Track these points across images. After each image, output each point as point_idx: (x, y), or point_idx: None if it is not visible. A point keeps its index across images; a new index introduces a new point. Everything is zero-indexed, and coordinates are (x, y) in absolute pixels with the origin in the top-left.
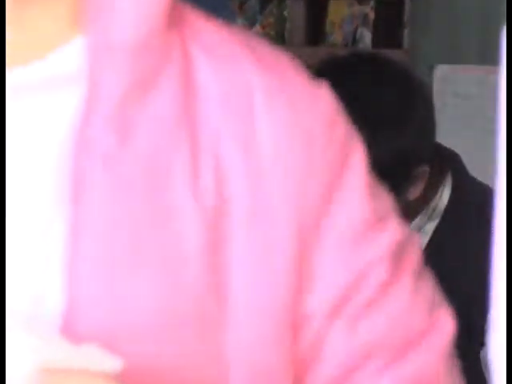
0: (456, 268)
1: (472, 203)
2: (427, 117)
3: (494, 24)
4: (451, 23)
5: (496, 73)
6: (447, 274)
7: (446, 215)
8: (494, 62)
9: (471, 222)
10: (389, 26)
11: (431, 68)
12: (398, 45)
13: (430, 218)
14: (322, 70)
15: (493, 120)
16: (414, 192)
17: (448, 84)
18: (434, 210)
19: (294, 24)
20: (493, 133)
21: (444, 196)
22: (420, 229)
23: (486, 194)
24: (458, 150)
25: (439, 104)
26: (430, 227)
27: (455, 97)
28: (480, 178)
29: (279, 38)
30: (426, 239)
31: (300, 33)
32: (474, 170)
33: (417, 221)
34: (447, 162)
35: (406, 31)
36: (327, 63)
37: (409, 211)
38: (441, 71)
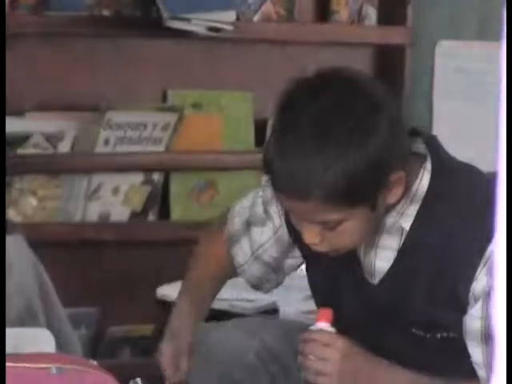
0: (441, 247)
1: (451, 185)
2: (392, 128)
3: (495, 1)
4: (453, 1)
5: (497, 48)
6: (431, 254)
7: (427, 198)
8: (495, 37)
9: (452, 203)
10: (393, 3)
11: (434, 44)
12: (401, 22)
13: (411, 202)
14: (292, 90)
15: (494, 94)
16: (393, 197)
17: (450, 59)
18: (414, 194)
19: (302, 2)
20: (494, 107)
21: (424, 180)
22: (402, 213)
23: (467, 174)
24: (459, 124)
25: (441, 79)
26: (413, 210)
27: (457, 72)
28: (481, 151)
29: (289, 15)
30: (409, 222)
31: (308, 10)
32: (475, 143)
33: (398, 206)
34: (426, 146)
35: (409, 9)
36: (297, 83)
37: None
38: (443, 47)
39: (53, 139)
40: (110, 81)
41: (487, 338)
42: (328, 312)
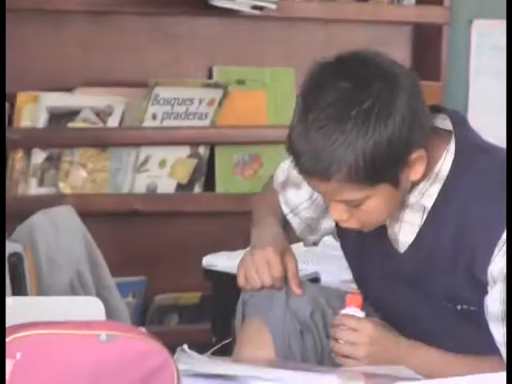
0: (460, 226)
1: (474, 167)
2: (411, 106)
3: None
4: None
5: None
6: (451, 233)
7: (449, 179)
8: None
9: (473, 185)
10: None
11: (470, 22)
12: (439, 2)
13: (433, 182)
14: (313, 73)
15: None
16: (416, 174)
17: (485, 37)
18: (437, 174)
19: None
20: None
21: (447, 161)
22: (424, 192)
23: (491, 155)
24: (492, 99)
25: (477, 56)
26: (435, 190)
27: (492, 49)
28: None
29: None
30: (431, 201)
31: None
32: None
33: (421, 186)
34: (452, 124)
35: None
36: (319, 66)
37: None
38: (478, 25)
39: (102, 114)
40: (157, 58)
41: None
42: (358, 297)
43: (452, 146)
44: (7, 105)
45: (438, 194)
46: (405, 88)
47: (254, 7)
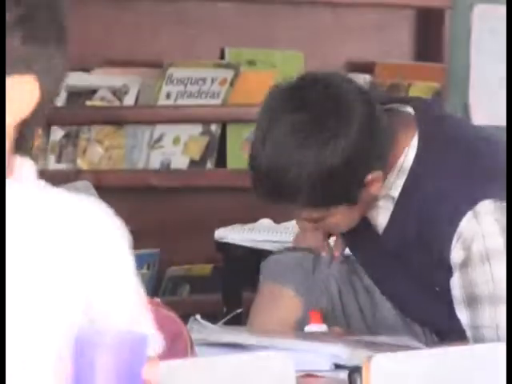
0: (423, 214)
1: (435, 158)
2: (366, 131)
3: None
4: None
5: None
6: (416, 220)
7: (412, 170)
8: None
9: (433, 177)
10: None
11: (471, 7)
12: None
13: (398, 175)
14: (269, 102)
15: None
16: (375, 191)
17: (485, 21)
18: (401, 168)
19: None
20: None
21: (410, 155)
22: (391, 186)
23: (454, 144)
24: (492, 81)
25: (478, 40)
26: (400, 182)
27: (491, 32)
28: None
29: None
30: (397, 192)
31: None
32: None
33: (386, 181)
34: (415, 118)
35: None
36: (275, 94)
37: None
38: (479, 10)
39: (118, 93)
40: (171, 39)
41: (471, 302)
42: (317, 315)
43: (414, 141)
44: None
45: (403, 185)
46: (359, 114)
47: None
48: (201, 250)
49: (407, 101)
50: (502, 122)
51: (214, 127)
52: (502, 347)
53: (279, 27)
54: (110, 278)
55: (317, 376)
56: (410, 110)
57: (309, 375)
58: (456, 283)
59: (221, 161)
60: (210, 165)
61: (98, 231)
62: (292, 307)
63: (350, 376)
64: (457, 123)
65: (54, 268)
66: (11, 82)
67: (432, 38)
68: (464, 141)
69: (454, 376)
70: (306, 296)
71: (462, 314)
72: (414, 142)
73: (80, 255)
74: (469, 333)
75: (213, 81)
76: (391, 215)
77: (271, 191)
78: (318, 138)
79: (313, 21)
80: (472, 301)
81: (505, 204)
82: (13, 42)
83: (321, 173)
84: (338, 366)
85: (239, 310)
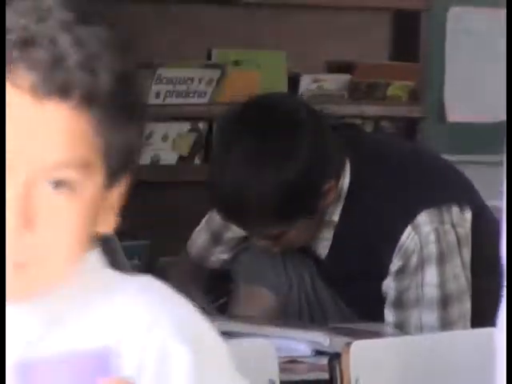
0: (362, 234)
1: (368, 178)
2: (317, 147)
3: None
4: None
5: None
6: (356, 241)
7: (349, 192)
8: (498, 4)
9: (368, 197)
10: None
11: (446, 9)
12: None
13: (338, 199)
14: (222, 126)
15: (499, 52)
16: (329, 199)
17: (460, 22)
18: (340, 192)
19: None
20: (500, 63)
21: (346, 178)
22: (333, 211)
23: (385, 161)
24: (469, 79)
25: (452, 41)
26: (340, 205)
27: (465, 33)
28: (491, 102)
29: None
30: (337, 215)
31: None
32: (485, 95)
33: (331, 207)
34: (346, 143)
35: None
36: (227, 119)
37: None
38: (454, 12)
39: None
40: (161, 41)
41: (400, 304)
42: None
43: (347, 165)
44: None
45: (342, 208)
46: (308, 130)
47: None
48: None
49: (334, 126)
50: (476, 119)
51: (201, 125)
52: (480, 334)
53: (263, 29)
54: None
55: (299, 362)
56: (340, 134)
57: (291, 361)
58: (389, 285)
59: (208, 156)
60: (197, 160)
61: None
62: (268, 306)
63: (329, 362)
64: (381, 142)
65: None
66: None
67: (408, 38)
68: (393, 158)
69: (429, 361)
70: (280, 294)
71: (389, 314)
72: (347, 167)
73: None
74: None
75: (200, 80)
76: (332, 243)
77: (234, 213)
78: (274, 159)
79: (295, 23)
80: (400, 303)
81: (444, 205)
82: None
83: (281, 191)
84: (318, 352)
85: (223, 300)
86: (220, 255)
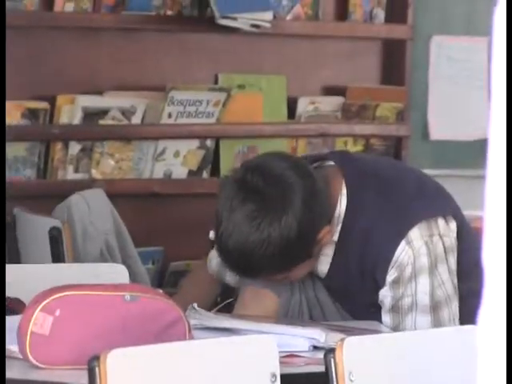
0: (360, 255)
1: (364, 200)
2: (310, 200)
3: (479, 1)
4: (445, 3)
5: (480, 41)
6: (355, 261)
7: (347, 215)
8: (479, 32)
9: (365, 218)
10: (397, 5)
11: (429, 38)
12: (404, 21)
13: (337, 223)
14: (223, 184)
15: (478, 77)
16: (326, 241)
17: (442, 50)
18: (338, 216)
19: (325, 4)
20: (480, 88)
21: (342, 203)
22: (333, 234)
23: (378, 183)
24: (450, 101)
25: (435, 67)
26: (338, 227)
27: (448, 60)
28: (469, 122)
29: (315, 14)
30: (336, 236)
31: (330, 11)
32: (464, 115)
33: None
34: (340, 169)
35: (410, 10)
36: (227, 185)
37: None
38: (436, 40)
39: (127, 113)
40: (173, 66)
41: (396, 310)
42: None
43: (344, 191)
44: (48, 105)
45: (341, 230)
46: (299, 189)
47: (253, 25)
48: (198, 248)
49: (326, 155)
50: (457, 137)
51: (209, 142)
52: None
53: (265, 55)
54: None
55: (297, 356)
56: (331, 162)
57: (290, 355)
58: (386, 294)
59: (215, 171)
60: (205, 174)
61: None
62: (271, 307)
63: (325, 356)
64: (372, 162)
65: None
66: None
67: (395, 64)
68: (383, 176)
69: (418, 356)
70: (282, 297)
71: (387, 318)
72: (344, 190)
73: None
74: (386, 318)
75: (208, 102)
76: (333, 258)
77: (240, 268)
78: (270, 220)
79: (294, 50)
80: (397, 308)
81: (431, 218)
82: None
83: (279, 247)
84: (315, 348)
85: (230, 300)
86: (233, 277)
